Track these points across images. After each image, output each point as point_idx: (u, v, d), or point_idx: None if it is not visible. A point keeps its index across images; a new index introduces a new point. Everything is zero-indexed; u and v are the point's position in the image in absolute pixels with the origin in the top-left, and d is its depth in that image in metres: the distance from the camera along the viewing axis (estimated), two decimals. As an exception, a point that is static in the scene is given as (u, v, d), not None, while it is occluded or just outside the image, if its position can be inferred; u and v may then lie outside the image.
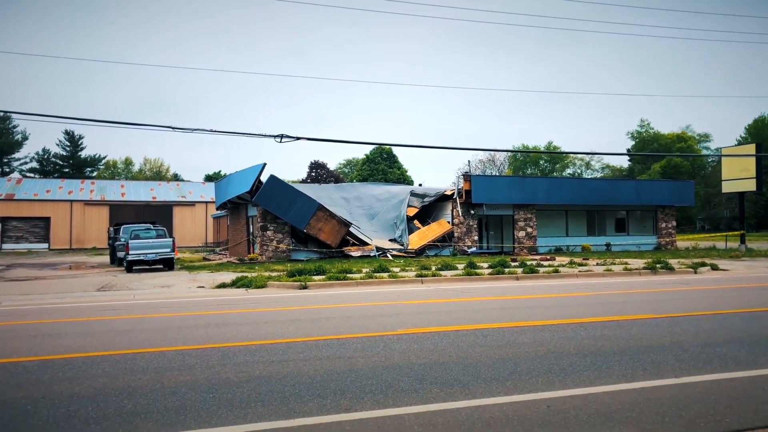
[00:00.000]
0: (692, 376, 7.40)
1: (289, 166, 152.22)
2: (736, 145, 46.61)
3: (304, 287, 18.39)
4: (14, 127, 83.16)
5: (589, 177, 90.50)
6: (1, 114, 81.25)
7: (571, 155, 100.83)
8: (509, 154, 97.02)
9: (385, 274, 21.04)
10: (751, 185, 37.72)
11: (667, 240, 39.38)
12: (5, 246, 52.58)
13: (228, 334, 10.51)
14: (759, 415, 5.95)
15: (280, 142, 19.61)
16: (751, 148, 39.30)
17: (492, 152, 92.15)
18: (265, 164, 31.34)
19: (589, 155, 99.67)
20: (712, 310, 12.94)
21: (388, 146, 75.33)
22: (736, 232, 41.95)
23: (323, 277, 20.33)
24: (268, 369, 7.92)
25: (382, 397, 6.65)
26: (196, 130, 19.69)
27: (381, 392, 6.81)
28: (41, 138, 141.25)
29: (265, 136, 20.05)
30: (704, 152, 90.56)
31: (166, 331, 11.13)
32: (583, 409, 6.17)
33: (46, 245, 53.89)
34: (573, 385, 7.02)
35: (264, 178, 31.34)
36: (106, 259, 38.43)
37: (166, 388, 7.06)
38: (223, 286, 19.19)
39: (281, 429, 5.68)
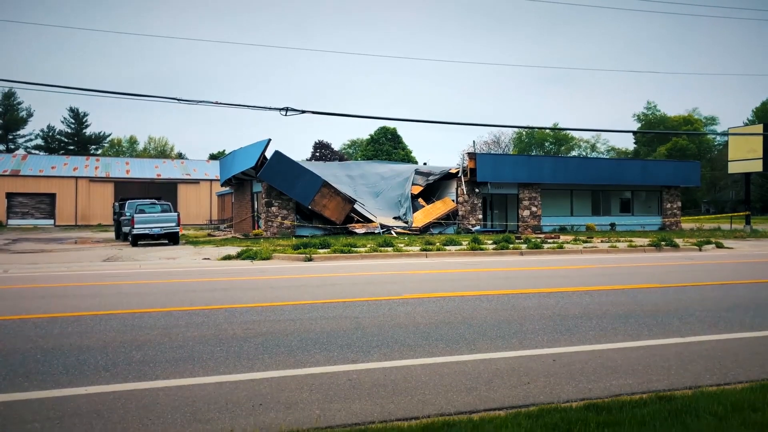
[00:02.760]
0: (698, 336, 7.42)
1: (293, 146, 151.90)
2: (743, 126, 46.28)
3: (309, 259, 18.43)
4: (19, 103, 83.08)
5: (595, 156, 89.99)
6: (6, 90, 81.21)
7: (577, 138, 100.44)
8: (514, 135, 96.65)
9: (390, 249, 21.08)
10: (757, 166, 37.47)
11: (672, 221, 39.29)
12: (11, 222, 52.76)
13: (234, 297, 10.56)
14: (766, 369, 5.96)
15: (285, 115, 19.48)
16: (758, 128, 38.98)
17: (497, 134, 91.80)
18: (270, 140, 31.23)
19: (596, 132, 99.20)
20: (717, 280, 12.95)
21: (392, 126, 75.08)
22: (741, 213, 41.80)
23: (328, 250, 20.37)
24: (275, 327, 7.97)
25: (388, 350, 6.69)
26: (201, 102, 19.57)
27: (387, 347, 6.85)
28: (46, 115, 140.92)
29: (270, 108, 19.94)
30: (711, 135, 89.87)
31: (172, 294, 11.20)
32: (588, 363, 6.20)
33: (51, 221, 54.05)
34: (578, 343, 7.05)
35: (269, 154, 31.27)
36: (112, 235, 38.52)
37: (174, 342, 7.12)
38: (228, 258, 19.24)
39: (289, 377, 5.73)
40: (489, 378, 5.67)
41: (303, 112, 19.99)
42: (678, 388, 5.32)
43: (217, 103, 20.16)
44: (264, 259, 18.81)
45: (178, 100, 19.17)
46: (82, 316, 8.72)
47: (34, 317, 8.68)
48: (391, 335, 7.41)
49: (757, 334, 7.51)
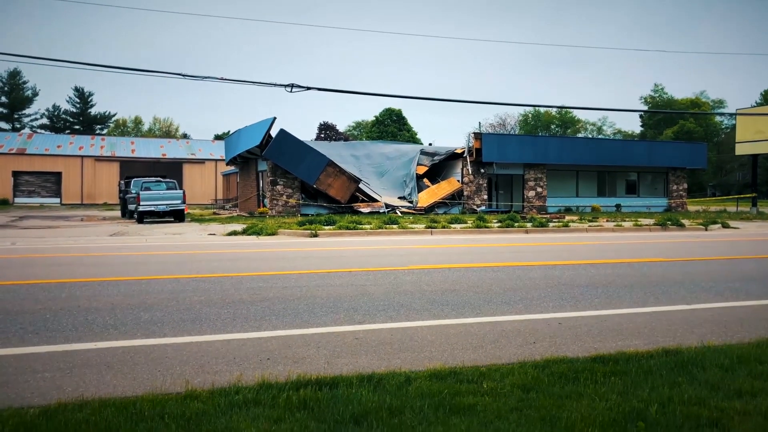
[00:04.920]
0: (704, 303, 7.42)
1: (298, 128, 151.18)
2: (752, 107, 45.87)
3: (315, 235, 18.46)
4: (24, 82, 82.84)
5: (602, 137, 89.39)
6: (12, 69, 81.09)
7: (583, 120, 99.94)
8: (520, 118, 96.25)
9: (395, 226, 21.08)
10: (765, 147, 37.17)
11: (678, 202, 39.12)
12: (17, 200, 52.94)
13: (241, 267, 10.61)
14: (771, 331, 5.97)
15: (291, 91, 19.38)
16: (767, 109, 38.60)
17: (503, 117, 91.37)
18: (275, 118, 31.11)
19: (602, 115, 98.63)
20: (723, 255, 12.93)
21: (398, 108, 74.86)
22: (747, 195, 41.60)
23: (333, 227, 20.40)
24: (282, 293, 8.01)
25: (394, 314, 6.72)
26: (206, 78, 19.50)
27: (393, 310, 6.88)
28: (51, 95, 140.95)
29: (275, 85, 19.83)
30: (719, 117, 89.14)
31: (179, 264, 11.25)
32: (594, 326, 6.21)
33: (57, 200, 54.20)
34: (584, 309, 7.07)
35: (274, 132, 31.19)
36: (117, 213, 38.66)
37: (181, 305, 7.16)
38: (234, 233, 19.31)
39: (296, 335, 5.77)
40: (495, 338, 5.70)
41: (308, 88, 19.86)
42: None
43: (222, 78, 20.03)
44: (269, 234, 18.86)
45: (183, 75, 19.10)
46: (89, 282, 8.78)
47: (43, 282, 8.75)
48: (397, 300, 7.44)
49: (764, 302, 7.50)
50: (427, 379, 4.09)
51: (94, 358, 4.98)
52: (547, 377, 4.08)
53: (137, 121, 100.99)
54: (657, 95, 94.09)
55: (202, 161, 59.79)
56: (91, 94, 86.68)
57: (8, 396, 4.05)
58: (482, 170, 35.32)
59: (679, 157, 38.98)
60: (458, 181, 35.57)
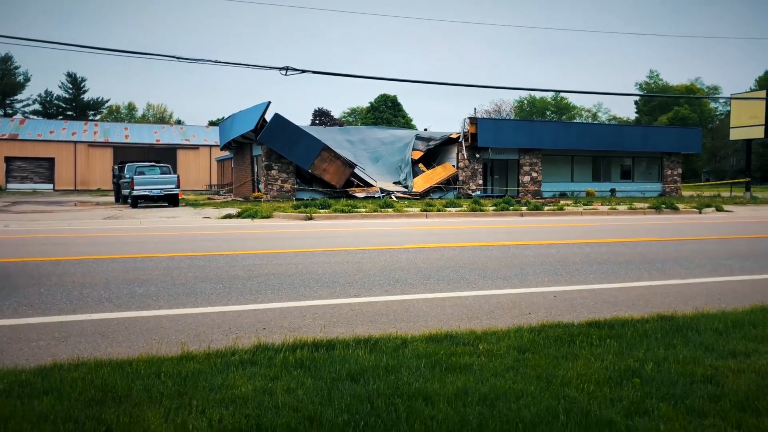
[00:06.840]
0: (698, 278, 7.46)
1: (292, 113, 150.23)
2: (746, 92, 45.85)
3: (310, 218, 18.43)
4: (16, 68, 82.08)
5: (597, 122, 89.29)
6: (4, 54, 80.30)
7: (578, 107, 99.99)
8: (515, 104, 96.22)
9: (390, 209, 21.08)
10: (759, 132, 37.25)
11: (672, 187, 39.23)
12: (10, 186, 52.63)
13: (235, 246, 10.59)
14: (767, 302, 5.99)
15: (285, 74, 19.24)
16: (761, 93, 38.65)
17: (498, 104, 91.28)
18: (269, 102, 30.91)
19: (597, 101, 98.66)
20: (717, 235, 12.98)
21: (393, 94, 74.64)
22: (741, 180, 41.75)
23: (328, 210, 20.38)
24: (277, 269, 8.00)
25: (389, 288, 6.72)
26: (200, 60, 19.32)
27: (389, 285, 6.88)
28: (43, 80, 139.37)
29: (270, 68, 19.69)
30: (713, 104, 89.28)
31: (173, 243, 11.22)
32: (589, 299, 6.23)
33: (50, 186, 53.91)
34: (579, 284, 7.09)
35: (269, 117, 31.02)
36: (111, 198, 38.49)
37: (176, 280, 7.15)
38: (228, 216, 19.25)
39: (292, 307, 5.77)
40: (490, 309, 5.71)
41: (303, 71, 19.71)
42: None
43: (216, 61, 19.85)
44: (264, 217, 18.84)
45: (177, 58, 18.93)
46: (83, 260, 8.75)
47: (36, 260, 8.72)
48: (392, 276, 7.45)
49: (757, 277, 7.54)
50: (424, 342, 4.10)
51: (89, 328, 4.96)
52: (542, 340, 4.09)
53: (131, 107, 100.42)
54: (652, 81, 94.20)
55: (196, 147, 59.49)
56: (83, 80, 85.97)
57: (2, 362, 4.03)
58: (477, 155, 35.29)
59: (674, 142, 39.02)
60: (453, 166, 35.55)
